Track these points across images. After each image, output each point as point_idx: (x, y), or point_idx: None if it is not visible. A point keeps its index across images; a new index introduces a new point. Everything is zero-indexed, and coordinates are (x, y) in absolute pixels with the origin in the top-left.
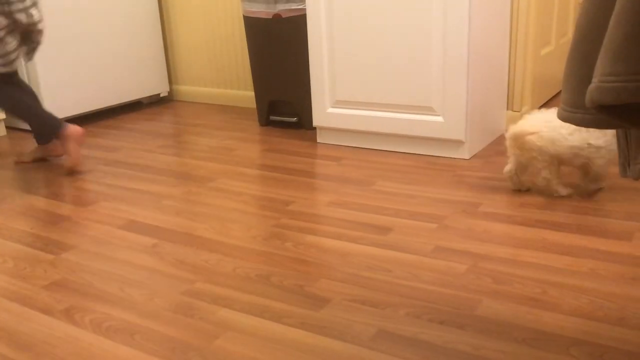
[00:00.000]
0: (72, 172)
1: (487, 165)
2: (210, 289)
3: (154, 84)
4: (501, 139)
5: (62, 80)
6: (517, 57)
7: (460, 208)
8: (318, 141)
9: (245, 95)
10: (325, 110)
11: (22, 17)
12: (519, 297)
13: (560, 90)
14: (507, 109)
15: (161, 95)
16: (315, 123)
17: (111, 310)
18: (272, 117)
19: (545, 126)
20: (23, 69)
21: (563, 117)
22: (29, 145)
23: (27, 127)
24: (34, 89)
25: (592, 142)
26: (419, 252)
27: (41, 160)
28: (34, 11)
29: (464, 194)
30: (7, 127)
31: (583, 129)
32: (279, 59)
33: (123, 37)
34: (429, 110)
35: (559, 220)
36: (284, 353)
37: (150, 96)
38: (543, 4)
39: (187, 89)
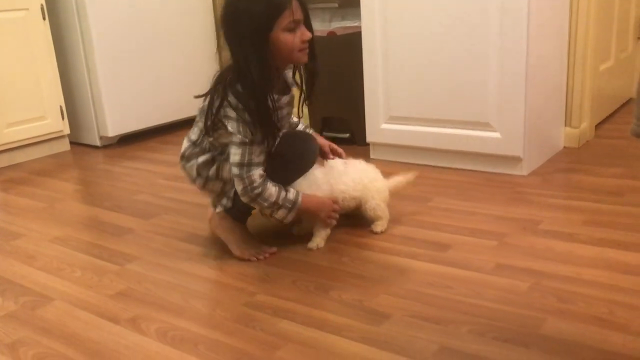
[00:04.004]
0: None
1: (546, 182)
2: (270, 301)
3: None
4: (560, 155)
5: (124, 97)
6: (576, 73)
7: (520, 225)
8: (371, 157)
9: None
10: (379, 126)
11: None
12: (585, 317)
13: (620, 107)
14: (566, 125)
15: None
16: (368, 139)
17: (175, 320)
18: (325, 134)
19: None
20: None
21: (637, 133)
22: (92, 159)
23: (89, 141)
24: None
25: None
26: (480, 269)
27: None
28: None
29: (523, 211)
30: (72, 143)
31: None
32: (333, 76)
33: (181, 57)
34: (486, 126)
35: (623, 239)
36: None
37: None
38: (602, 19)
39: None
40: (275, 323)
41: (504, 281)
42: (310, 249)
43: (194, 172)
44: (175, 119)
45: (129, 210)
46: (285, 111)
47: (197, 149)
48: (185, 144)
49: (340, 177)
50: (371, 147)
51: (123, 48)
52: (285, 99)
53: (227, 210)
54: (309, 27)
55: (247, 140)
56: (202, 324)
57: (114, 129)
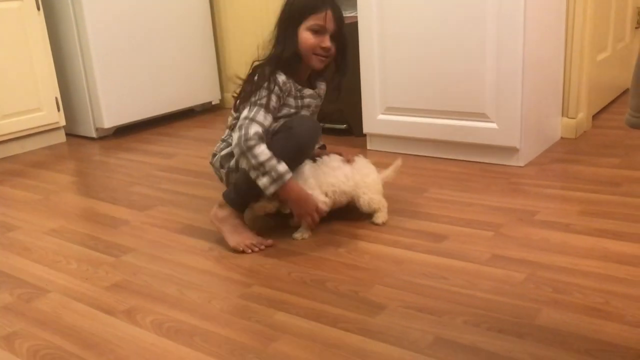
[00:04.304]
0: None
1: (542, 172)
2: (266, 293)
3: (206, 93)
4: (556, 145)
5: (120, 89)
6: (573, 63)
7: (516, 216)
8: (368, 148)
9: None
10: (376, 117)
11: None
12: (580, 307)
13: (617, 97)
14: (563, 115)
15: (213, 103)
16: (365, 130)
17: (171, 312)
18: (322, 124)
19: None
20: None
21: (631, 124)
22: (88, 151)
23: (85, 133)
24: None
25: (350, 178)
26: (476, 260)
27: None
28: None
29: (520, 202)
30: (67, 134)
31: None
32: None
33: (177, 48)
34: (482, 116)
35: (620, 229)
36: (341, 357)
37: (203, 104)
38: (599, 10)
39: None
40: (271, 314)
41: (500, 272)
42: (295, 239)
43: (219, 164)
44: (171, 110)
45: (125, 201)
46: (307, 101)
47: (223, 144)
48: (216, 144)
49: (331, 172)
50: (368, 138)
51: (119, 39)
52: (307, 91)
53: (226, 196)
54: (341, 44)
55: (258, 102)
56: (198, 315)
57: (109, 121)
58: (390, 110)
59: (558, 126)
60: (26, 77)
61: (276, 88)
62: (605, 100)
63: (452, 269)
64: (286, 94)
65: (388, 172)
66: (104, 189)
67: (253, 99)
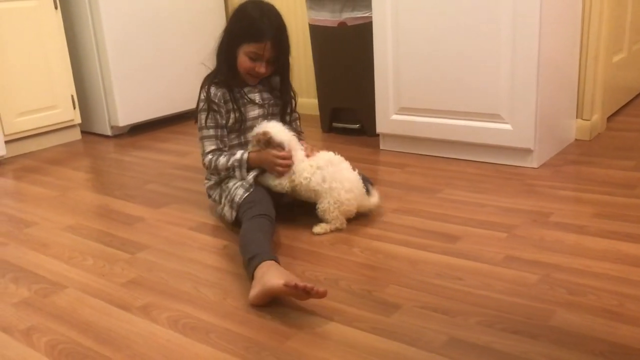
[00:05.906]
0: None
1: (557, 174)
2: None
3: None
4: (571, 147)
5: (135, 87)
6: (588, 64)
7: (530, 217)
8: (381, 148)
9: (309, 102)
10: (389, 117)
11: None
12: (595, 309)
13: (632, 99)
14: (577, 117)
15: None
16: (378, 130)
17: (186, 309)
18: (335, 124)
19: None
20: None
21: None
22: (103, 149)
23: (100, 131)
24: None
25: (318, 185)
26: (490, 261)
27: None
28: None
29: (534, 203)
30: (83, 132)
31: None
32: (343, 66)
33: (192, 47)
34: (496, 117)
35: (634, 231)
36: (355, 356)
37: None
38: (615, 11)
39: None
40: (285, 313)
41: (514, 273)
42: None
43: (207, 195)
44: (186, 109)
45: (140, 199)
46: (256, 95)
47: (206, 180)
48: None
49: (307, 168)
50: (381, 138)
51: (134, 38)
52: (249, 88)
53: (244, 264)
54: (282, 69)
55: (202, 133)
56: (213, 312)
57: (124, 119)
58: (403, 110)
59: (572, 128)
60: (43, 75)
61: (205, 105)
62: (620, 102)
63: (466, 269)
64: (221, 101)
65: (371, 202)
66: (119, 186)
67: (199, 128)
